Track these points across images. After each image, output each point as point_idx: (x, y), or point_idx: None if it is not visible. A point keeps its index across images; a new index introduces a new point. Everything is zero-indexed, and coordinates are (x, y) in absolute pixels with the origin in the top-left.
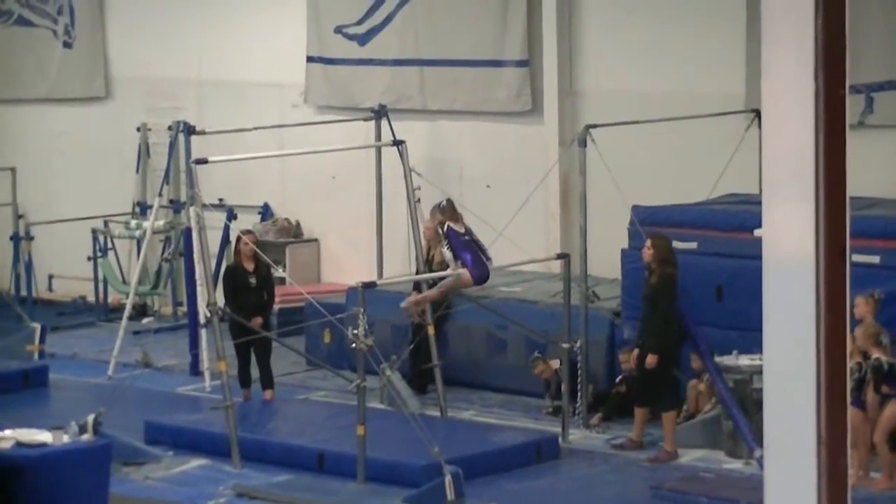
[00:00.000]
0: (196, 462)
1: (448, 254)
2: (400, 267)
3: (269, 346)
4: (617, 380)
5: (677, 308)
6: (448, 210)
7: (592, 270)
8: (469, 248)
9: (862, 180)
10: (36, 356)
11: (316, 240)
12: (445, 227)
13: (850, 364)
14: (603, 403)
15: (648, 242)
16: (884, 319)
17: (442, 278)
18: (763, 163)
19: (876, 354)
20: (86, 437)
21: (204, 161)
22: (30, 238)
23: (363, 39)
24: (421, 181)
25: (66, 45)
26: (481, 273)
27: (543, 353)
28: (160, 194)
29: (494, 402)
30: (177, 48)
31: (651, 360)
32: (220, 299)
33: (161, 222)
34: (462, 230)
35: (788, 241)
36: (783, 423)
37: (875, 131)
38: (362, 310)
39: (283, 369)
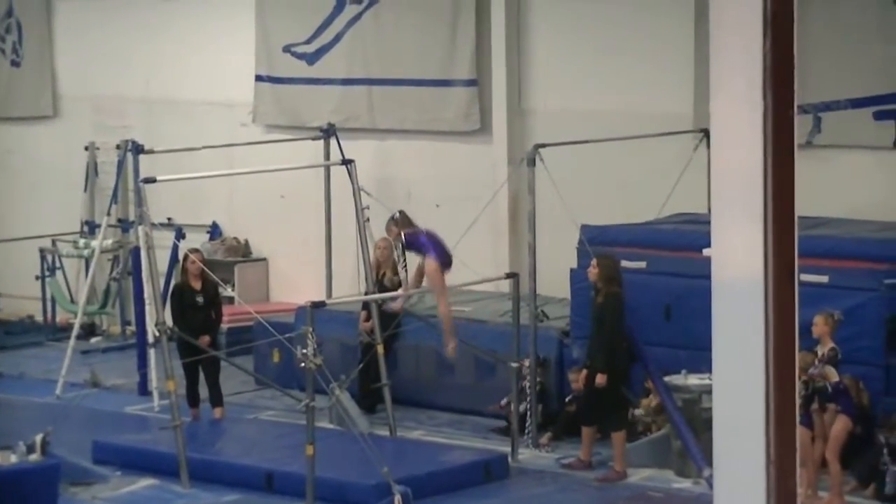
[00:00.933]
0: (144, 482)
1: (399, 268)
2: (349, 286)
3: (217, 364)
4: (567, 399)
5: (626, 327)
6: (402, 221)
7: (541, 290)
8: (429, 239)
9: (810, 200)
10: None
11: (265, 259)
12: (403, 236)
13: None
14: (553, 423)
15: (594, 262)
16: (836, 338)
17: (392, 298)
18: (712, 182)
19: (830, 344)
20: (34, 457)
21: (152, 180)
22: None
23: (312, 58)
24: (370, 200)
25: (14, 63)
26: (444, 257)
27: (494, 371)
28: (108, 213)
29: (443, 422)
30: (125, 66)
31: (601, 379)
32: (170, 319)
33: (109, 241)
34: (417, 228)
35: (737, 261)
36: (732, 442)
37: (823, 151)
38: (311, 329)
39: (231, 389)
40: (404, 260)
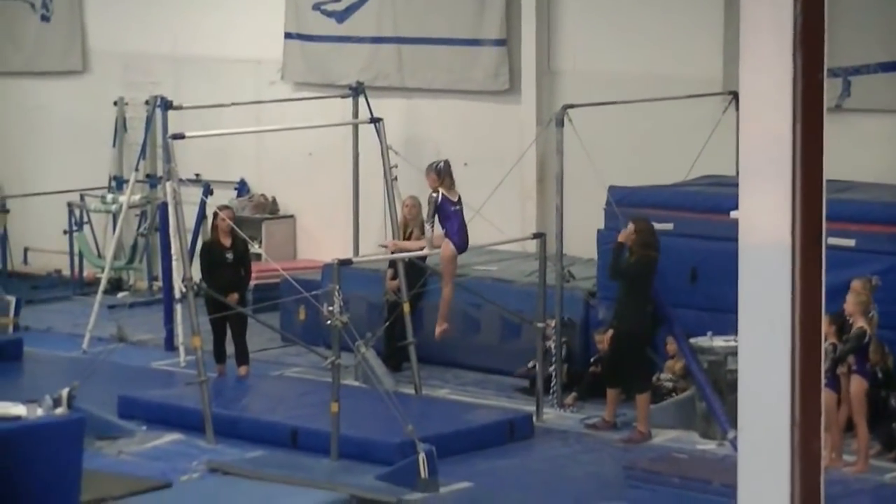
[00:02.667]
0: (170, 437)
1: (427, 225)
2: (376, 245)
3: (244, 322)
4: (592, 360)
5: (653, 290)
6: (445, 173)
7: (568, 250)
8: (455, 218)
9: (838, 164)
10: (10, 329)
11: (292, 216)
12: (439, 194)
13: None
14: (577, 383)
15: (630, 225)
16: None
17: (420, 257)
18: (740, 145)
19: (860, 324)
20: (60, 410)
21: (181, 136)
22: (5, 211)
23: (341, 17)
24: (398, 159)
25: (44, 18)
26: (462, 241)
27: (520, 332)
28: (136, 169)
29: (469, 381)
30: (154, 23)
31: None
32: (197, 275)
33: (137, 197)
34: (455, 198)
35: (764, 224)
36: (757, 405)
37: (852, 115)
38: (338, 287)
39: (258, 345)
40: (433, 217)
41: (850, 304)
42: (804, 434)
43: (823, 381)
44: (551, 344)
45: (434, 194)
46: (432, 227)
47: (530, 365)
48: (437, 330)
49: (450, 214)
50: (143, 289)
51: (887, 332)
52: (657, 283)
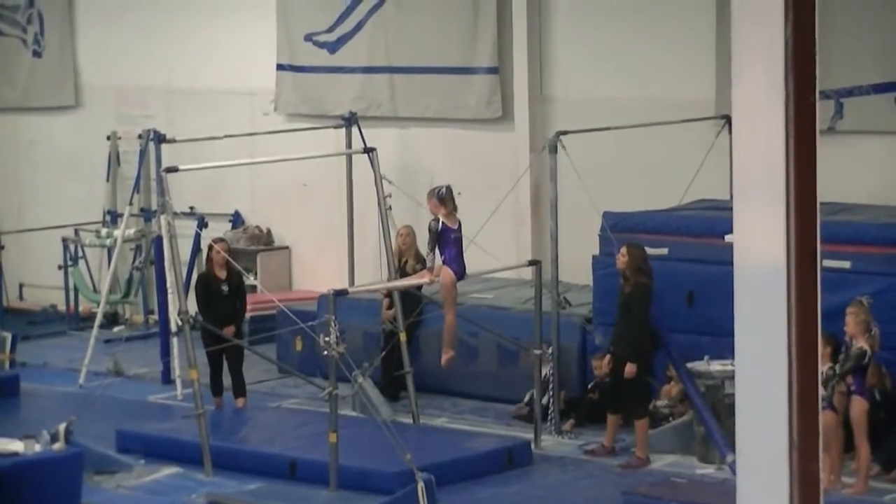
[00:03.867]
0: (168, 470)
1: (429, 254)
2: (371, 274)
3: (241, 353)
4: (589, 386)
5: (651, 315)
6: (447, 199)
7: (564, 277)
8: (455, 245)
9: (832, 186)
10: (6, 365)
11: (287, 247)
12: (439, 221)
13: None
14: (575, 409)
15: (623, 250)
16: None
17: (416, 286)
18: (734, 168)
19: (860, 343)
20: (57, 445)
21: (175, 169)
22: (0, 247)
23: (333, 47)
24: (392, 188)
25: (36, 54)
26: (460, 269)
27: (517, 359)
28: (131, 203)
29: (466, 409)
30: (147, 56)
31: (630, 369)
32: (192, 307)
33: (132, 231)
34: (455, 225)
35: (759, 247)
36: (755, 428)
37: (845, 137)
38: (334, 317)
39: (254, 377)
40: (433, 245)
41: (851, 324)
42: (802, 457)
43: (822, 403)
44: (548, 370)
45: (434, 222)
46: (434, 255)
47: (526, 399)
48: (444, 358)
49: (449, 241)
50: (139, 322)
51: (884, 352)
52: (654, 308)
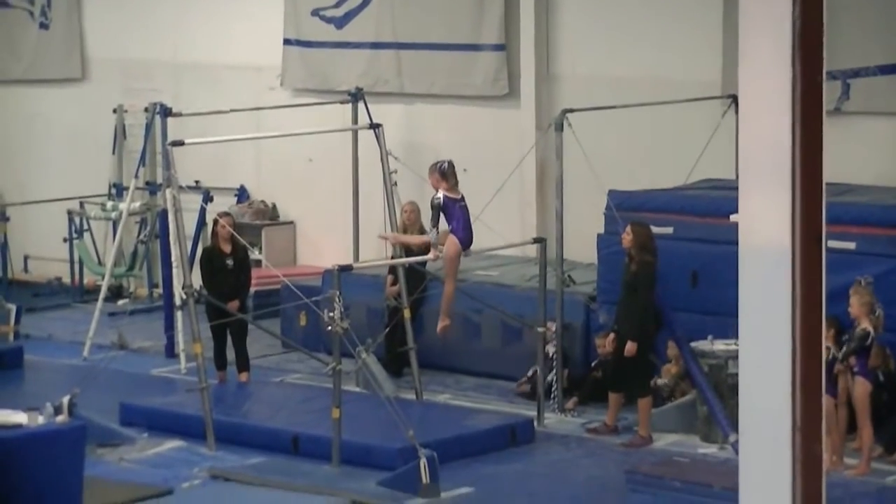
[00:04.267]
0: (171, 444)
1: (432, 229)
2: (376, 250)
3: (245, 328)
4: (593, 364)
5: (655, 294)
6: (449, 174)
7: (568, 255)
8: (462, 214)
9: (838, 167)
10: (11, 337)
11: (292, 222)
12: (441, 194)
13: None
14: (578, 388)
15: (628, 229)
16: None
17: (421, 262)
18: (740, 149)
19: (864, 325)
20: (61, 418)
21: (180, 143)
22: (5, 219)
23: (340, 22)
24: (397, 165)
25: (43, 26)
26: (467, 237)
27: (521, 336)
28: (136, 176)
29: (469, 386)
30: (153, 30)
31: (631, 347)
32: (197, 281)
33: (137, 204)
34: (458, 196)
35: (764, 228)
36: (758, 408)
37: (851, 118)
38: (338, 293)
39: (258, 352)
40: (437, 220)
41: (855, 306)
42: (805, 438)
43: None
44: (551, 348)
45: (437, 196)
46: (437, 230)
47: (529, 374)
48: (439, 326)
49: (454, 212)
50: (143, 296)
51: (888, 334)
52: (658, 287)
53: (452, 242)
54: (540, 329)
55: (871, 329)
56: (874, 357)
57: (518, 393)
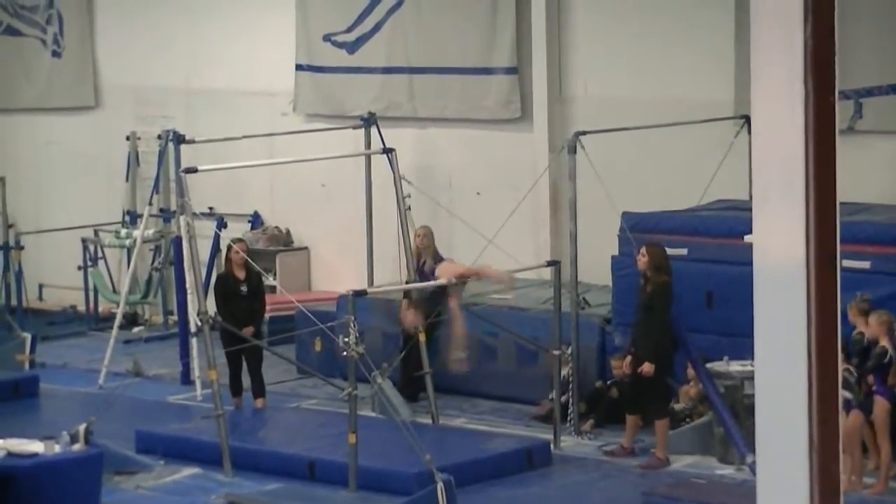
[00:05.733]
0: (187, 471)
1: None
2: (391, 275)
3: (260, 354)
4: (608, 383)
5: (671, 315)
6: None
7: (583, 277)
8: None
9: (851, 186)
10: (26, 366)
11: (306, 248)
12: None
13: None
14: (594, 409)
15: (643, 250)
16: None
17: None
18: (753, 169)
19: (883, 342)
20: (77, 446)
21: (194, 170)
22: (20, 248)
23: (352, 47)
24: (411, 189)
25: (55, 54)
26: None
27: (536, 359)
28: (150, 203)
29: (485, 410)
30: (166, 57)
31: (648, 368)
32: (212, 308)
33: (151, 231)
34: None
35: (779, 247)
36: (775, 429)
37: (864, 136)
38: (353, 318)
39: (273, 378)
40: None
41: (873, 325)
42: (822, 458)
43: (853, 403)
44: (567, 371)
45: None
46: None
47: (550, 398)
48: (458, 360)
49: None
50: (158, 323)
51: None
52: (674, 308)
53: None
54: (555, 352)
55: (889, 348)
56: (892, 376)
57: (534, 417)
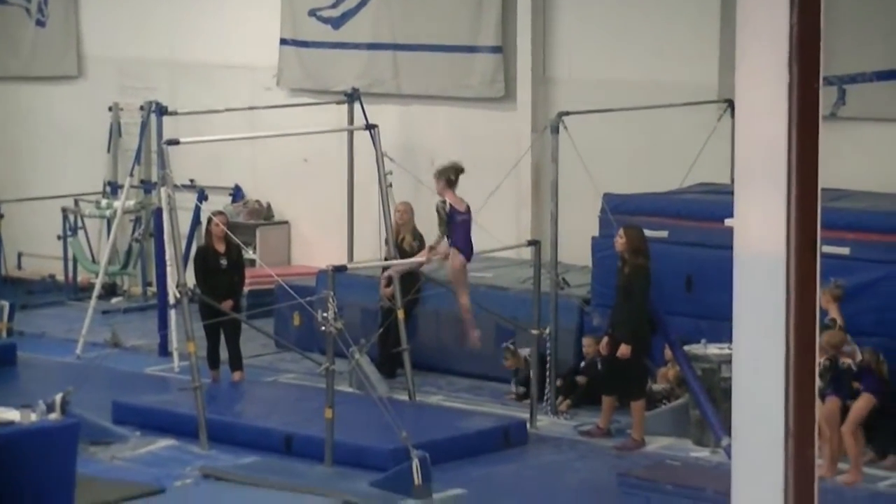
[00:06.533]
0: (163, 443)
1: (444, 239)
2: (370, 251)
3: (238, 327)
4: (581, 366)
5: (649, 298)
6: (455, 182)
7: (563, 258)
8: (462, 228)
9: (833, 172)
10: (4, 334)
11: (287, 222)
12: (447, 204)
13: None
14: (572, 391)
15: (620, 232)
16: (854, 310)
17: (418, 263)
18: (736, 153)
19: (843, 359)
20: (53, 416)
21: (176, 142)
22: (0, 216)
23: (337, 23)
24: (393, 166)
25: (39, 23)
26: (467, 252)
27: (514, 340)
28: (131, 174)
29: (463, 388)
30: (150, 28)
31: (624, 350)
32: (191, 280)
33: (132, 202)
34: (463, 208)
35: (759, 232)
36: (751, 413)
37: (847, 123)
38: (332, 293)
39: (252, 351)
40: (447, 229)
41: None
42: (798, 443)
43: (828, 389)
44: (546, 351)
45: (445, 206)
46: (447, 238)
47: (510, 343)
48: (473, 338)
49: (456, 226)
50: (137, 294)
51: (883, 339)
52: (652, 291)
53: (456, 257)
54: (534, 331)
55: (850, 361)
56: (870, 360)
57: (510, 396)
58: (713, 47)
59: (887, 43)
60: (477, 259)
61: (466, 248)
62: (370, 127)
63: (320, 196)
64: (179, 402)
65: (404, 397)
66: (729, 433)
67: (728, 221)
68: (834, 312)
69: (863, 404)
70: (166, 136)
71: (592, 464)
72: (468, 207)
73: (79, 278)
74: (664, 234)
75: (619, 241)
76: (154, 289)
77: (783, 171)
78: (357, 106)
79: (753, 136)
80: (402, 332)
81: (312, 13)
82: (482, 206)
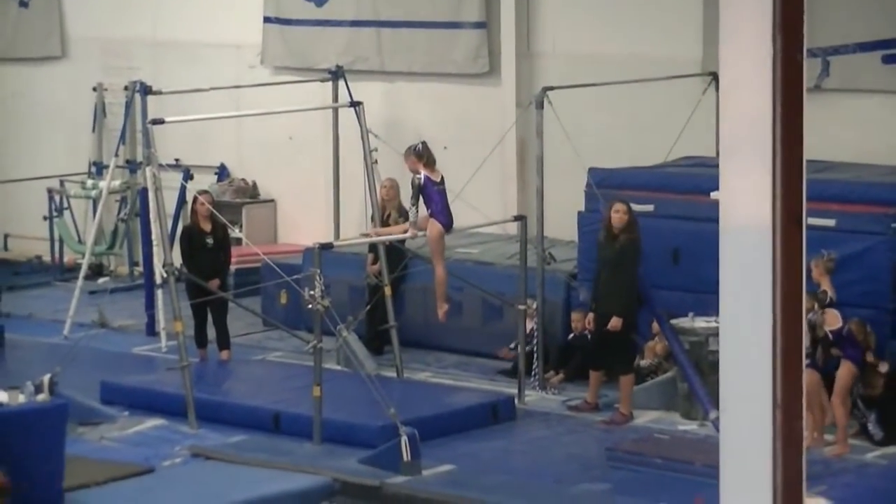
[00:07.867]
0: (152, 422)
1: (412, 209)
2: (357, 228)
3: (225, 306)
4: (570, 338)
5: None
6: (424, 154)
7: (549, 232)
8: (439, 197)
9: (818, 144)
10: None
11: (272, 200)
12: (422, 176)
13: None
14: (563, 366)
15: (618, 206)
16: (839, 282)
17: (401, 240)
18: (720, 126)
19: (824, 287)
20: (42, 396)
21: (160, 121)
22: None
23: (320, 0)
24: (378, 143)
25: (22, 3)
26: (448, 221)
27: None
28: (116, 154)
29: (450, 364)
30: (133, 8)
31: (616, 323)
32: (177, 259)
33: (117, 182)
34: (438, 178)
35: (745, 205)
36: (739, 385)
37: (831, 95)
38: (319, 271)
39: (239, 330)
40: (416, 199)
41: (815, 270)
42: (786, 415)
43: (806, 361)
44: (533, 326)
45: (419, 176)
46: (417, 209)
47: (512, 345)
48: (440, 312)
49: (433, 194)
50: (123, 274)
51: (870, 311)
52: (640, 265)
53: (434, 225)
54: (521, 306)
55: (826, 290)
56: (857, 332)
57: (500, 369)
58: (697, 20)
59: (870, 14)
60: (463, 235)
61: (445, 218)
62: (355, 104)
63: (306, 174)
64: (167, 381)
65: (392, 374)
66: (717, 406)
67: (714, 194)
68: (825, 285)
69: (845, 372)
70: (151, 115)
71: (581, 438)
72: (443, 178)
73: (65, 259)
74: (650, 207)
75: (619, 215)
76: (140, 268)
77: (768, 143)
78: (341, 83)
79: (738, 108)
80: (390, 309)
81: None
82: (468, 181)
